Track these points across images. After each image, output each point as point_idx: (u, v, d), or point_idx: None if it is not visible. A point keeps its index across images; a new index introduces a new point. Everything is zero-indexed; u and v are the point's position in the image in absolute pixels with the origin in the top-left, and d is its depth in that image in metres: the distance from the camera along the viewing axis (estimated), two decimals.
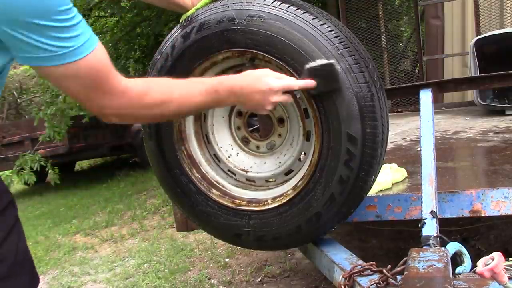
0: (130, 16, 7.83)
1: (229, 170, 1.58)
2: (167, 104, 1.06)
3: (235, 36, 1.31)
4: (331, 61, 1.23)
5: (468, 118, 3.49)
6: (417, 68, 6.80)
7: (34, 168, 6.00)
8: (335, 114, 1.25)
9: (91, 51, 0.91)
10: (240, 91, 1.15)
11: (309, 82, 1.22)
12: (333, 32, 1.25)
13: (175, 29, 1.45)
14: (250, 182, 1.56)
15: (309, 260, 1.74)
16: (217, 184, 1.54)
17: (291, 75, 1.28)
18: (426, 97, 1.77)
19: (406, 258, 1.12)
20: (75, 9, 0.88)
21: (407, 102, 5.23)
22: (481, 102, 3.56)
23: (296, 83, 1.22)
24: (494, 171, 1.78)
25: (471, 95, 4.28)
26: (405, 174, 1.83)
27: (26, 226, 5.93)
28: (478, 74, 3.40)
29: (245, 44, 1.31)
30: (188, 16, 1.42)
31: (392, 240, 3.05)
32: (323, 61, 1.23)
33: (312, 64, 1.23)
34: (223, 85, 1.14)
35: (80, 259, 4.14)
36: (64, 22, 0.85)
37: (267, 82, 1.16)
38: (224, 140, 1.59)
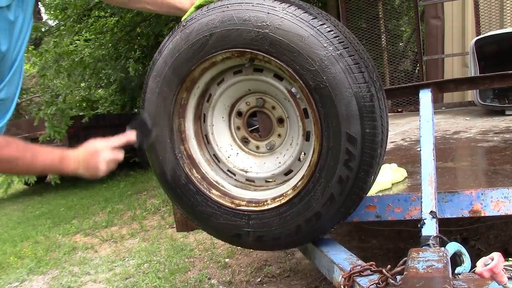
0: (130, 16, 7.84)
1: (228, 170, 1.58)
2: (19, 160, 1.24)
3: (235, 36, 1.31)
4: (142, 115, 1.47)
5: (468, 118, 3.49)
6: (417, 68, 6.81)
7: None
8: (335, 114, 1.25)
9: None
10: (81, 158, 1.35)
11: (129, 137, 1.42)
12: (332, 32, 1.25)
13: (174, 29, 1.45)
14: (249, 182, 1.56)
15: (309, 260, 1.74)
16: (216, 184, 1.54)
17: (291, 75, 1.28)
18: (425, 97, 1.76)
19: (406, 258, 1.12)
20: None
21: (407, 102, 5.23)
22: (481, 102, 3.56)
23: (119, 139, 1.41)
24: (494, 171, 1.78)
25: (471, 95, 4.28)
26: (405, 174, 1.83)
27: (26, 226, 5.98)
28: (478, 74, 3.39)
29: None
30: (188, 16, 1.42)
31: (392, 240, 3.05)
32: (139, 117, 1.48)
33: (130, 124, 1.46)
34: (64, 154, 1.34)
35: (80, 259, 4.14)
36: None
37: (95, 146, 1.37)
38: (224, 141, 1.59)
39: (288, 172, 1.50)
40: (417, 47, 5.54)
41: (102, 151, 1.37)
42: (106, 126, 8.42)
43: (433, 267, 1.03)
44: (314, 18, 1.25)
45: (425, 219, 1.33)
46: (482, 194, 1.47)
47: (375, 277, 1.18)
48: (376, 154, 1.28)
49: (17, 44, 1.29)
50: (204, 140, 1.59)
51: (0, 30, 1.19)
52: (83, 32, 8.46)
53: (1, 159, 1.22)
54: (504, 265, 0.98)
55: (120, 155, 1.41)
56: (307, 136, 1.42)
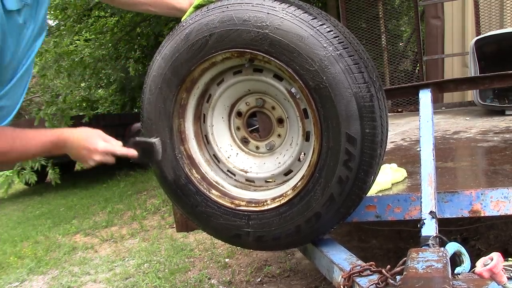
0: (130, 16, 7.85)
1: (228, 171, 1.58)
2: (10, 153, 1.24)
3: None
4: (153, 140, 1.45)
5: (468, 118, 3.49)
6: (417, 68, 6.81)
7: (35, 168, 6.01)
8: (334, 114, 1.25)
9: None
10: (71, 145, 1.35)
11: (131, 152, 1.42)
12: (332, 33, 1.25)
13: (174, 29, 1.45)
14: (249, 183, 1.56)
15: (309, 260, 1.74)
16: (216, 185, 1.54)
17: (291, 75, 1.28)
18: (425, 97, 1.77)
19: (405, 258, 1.12)
20: None
21: (407, 102, 5.23)
22: (481, 102, 3.56)
23: (119, 149, 1.40)
24: (494, 171, 1.78)
25: (471, 95, 4.28)
26: (405, 174, 1.83)
27: (26, 226, 5.98)
28: (478, 74, 3.39)
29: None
30: (188, 17, 1.42)
31: (391, 240, 3.05)
32: (148, 139, 1.46)
33: (138, 139, 1.46)
34: (59, 139, 1.34)
35: (80, 259, 4.14)
36: None
37: (94, 143, 1.35)
38: (223, 141, 1.59)
39: (288, 172, 1.50)
40: (417, 47, 5.54)
41: (96, 153, 1.36)
42: (106, 126, 8.42)
43: (432, 267, 1.03)
44: (314, 19, 1.25)
45: (425, 219, 1.33)
46: (482, 194, 1.47)
47: (375, 277, 1.18)
48: (376, 154, 1.28)
49: (24, 51, 1.28)
50: (204, 140, 1.59)
51: (9, 33, 1.18)
52: (83, 32, 8.47)
53: None
54: (504, 265, 0.98)
55: (111, 160, 1.41)
56: (307, 136, 1.42)
